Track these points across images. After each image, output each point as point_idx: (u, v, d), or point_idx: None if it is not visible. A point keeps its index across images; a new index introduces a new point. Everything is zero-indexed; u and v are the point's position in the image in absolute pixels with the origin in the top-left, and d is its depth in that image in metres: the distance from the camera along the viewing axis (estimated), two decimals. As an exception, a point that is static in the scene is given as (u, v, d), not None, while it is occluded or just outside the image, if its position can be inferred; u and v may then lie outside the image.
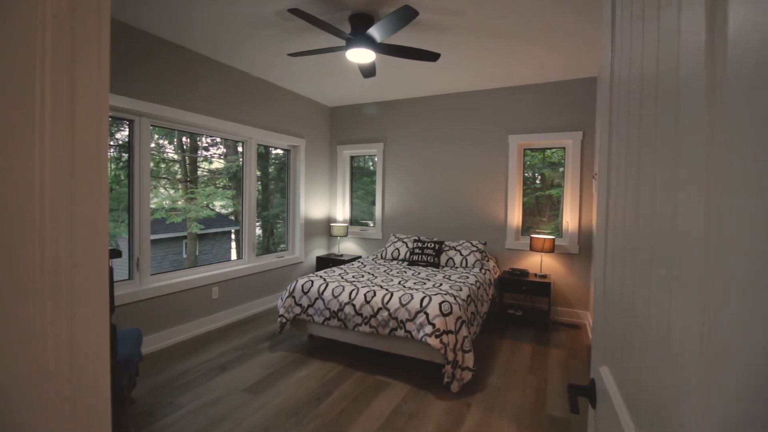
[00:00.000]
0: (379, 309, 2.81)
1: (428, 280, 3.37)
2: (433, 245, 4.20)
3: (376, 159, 5.28)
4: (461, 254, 4.11)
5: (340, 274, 3.50)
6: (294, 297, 3.21)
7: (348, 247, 5.45)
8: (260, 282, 4.35)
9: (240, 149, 4.23)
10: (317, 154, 5.27)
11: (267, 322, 3.91)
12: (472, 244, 4.20)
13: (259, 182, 4.76)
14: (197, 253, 4.66)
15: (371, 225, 5.42)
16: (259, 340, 3.44)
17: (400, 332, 2.70)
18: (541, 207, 4.48)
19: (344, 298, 2.97)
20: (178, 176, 4.05)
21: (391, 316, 2.76)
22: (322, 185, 5.42)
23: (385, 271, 3.77)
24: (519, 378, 2.80)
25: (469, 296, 3.03)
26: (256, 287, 4.29)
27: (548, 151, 4.42)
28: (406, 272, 3.72)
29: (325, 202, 5.47)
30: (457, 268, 4.00)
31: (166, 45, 3.21)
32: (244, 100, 4.06)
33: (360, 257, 5.15)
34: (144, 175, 3.15)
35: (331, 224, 5.23)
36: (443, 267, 4.07)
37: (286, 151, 4.94)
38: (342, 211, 5.52)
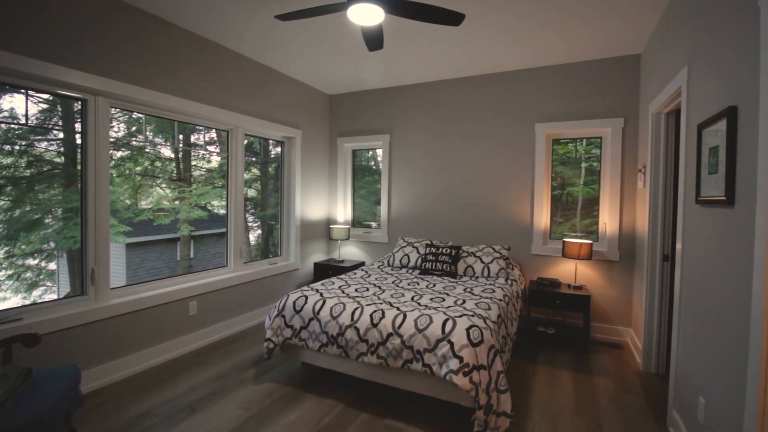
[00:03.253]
0: (390, 335, 2.22)
1: (447, 294, 2.79)
2: (448, 251, 3.61)
3: (380, 154, 4.69)
4: (482, 261, 3.51)
5: (340, 287, 2.91)
6: (284, 316, 2.62)
7: (350, 251, 4.86)
8: (249, 293, 3.77)
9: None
10: (315, 146, 4.69)
11: (254, 342, 3.33)
12: (494, 249, 3.61)
13: (258, 182, 4.22)
14: (192, 256, 4.08)
15: (374, 226, 4.83)
16: (243, 366, 2.85)
17: (417, 365, 2.11)
18: (563, 205, 3.89)
19: (345, 319, 2.39)
20: (174, 175, 3.49)
21: (404, 344, 2.17)
22: (321, 182, 4.83)
23: (393, 282, 3.18)
24: (566, 422, 2.21)
25: (499, 316, 2.44)
26: (243, 300, 3.71)
27: (569, 145, 3.83)
28: (418, 284, 3.13)
29: (323, 201, 4.89)
30: (477, 278, 3.41)
31: (131, 11, 2.64)
32: (231, 84, 3.48)
33: (363, 264, 4.57)
34: (101, 168, 2.57)
35: (331, 226, 4.64)
36: (461, 277, 3.47)
37: (280, 143, 4.36)
38: (343, 212, 4.93)
